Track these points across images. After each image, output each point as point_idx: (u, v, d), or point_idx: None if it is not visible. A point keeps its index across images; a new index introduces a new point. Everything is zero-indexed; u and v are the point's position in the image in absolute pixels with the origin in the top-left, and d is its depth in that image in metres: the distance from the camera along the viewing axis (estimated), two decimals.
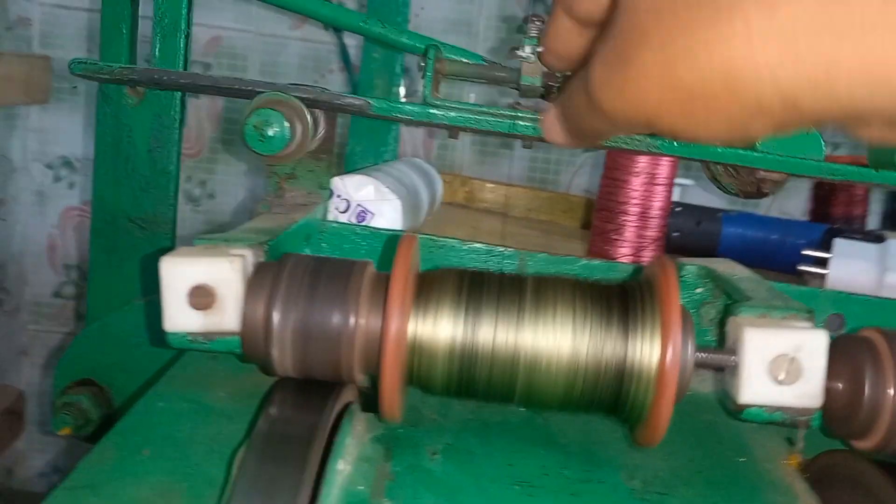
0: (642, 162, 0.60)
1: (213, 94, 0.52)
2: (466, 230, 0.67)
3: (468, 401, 0.43)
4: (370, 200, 0.55)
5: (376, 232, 0.52)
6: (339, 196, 0.56)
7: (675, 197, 0.93)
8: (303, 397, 0.35)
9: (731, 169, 0.55)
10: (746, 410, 0.35)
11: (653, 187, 0.60)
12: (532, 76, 0.49)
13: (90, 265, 0.61)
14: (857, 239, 0.77)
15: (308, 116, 0.46)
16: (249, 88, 0.49)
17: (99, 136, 0.59)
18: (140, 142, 0.58)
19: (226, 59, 1.31)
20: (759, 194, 0.53)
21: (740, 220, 0.85)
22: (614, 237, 0.60)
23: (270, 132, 0.44)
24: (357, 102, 0.49)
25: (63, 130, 1.31)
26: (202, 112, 1.32)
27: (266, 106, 0.44)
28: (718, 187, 0.61)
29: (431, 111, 0.50)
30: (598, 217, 0.62)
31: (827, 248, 0.76)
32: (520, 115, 0.49)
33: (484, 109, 0.50)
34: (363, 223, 0.56)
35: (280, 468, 0.31)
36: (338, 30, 1.06)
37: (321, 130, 0.50)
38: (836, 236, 0.77)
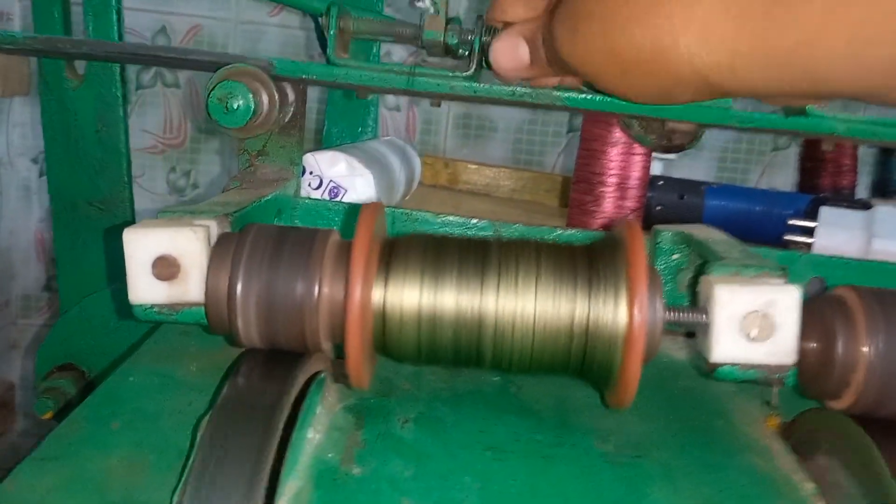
0: (619, 131, 0.59)
1: (124, 61, 0.51)
2: (448, 211, 0.67)
3: (438, 367, 0.42)
4: (342, 176, 0.54)
5: (350, 206, 0.51)
6: (311, 172, 0.55)
7: (658, 171, 0.93)
8: (269, 366, 0.35)
9: (644, 122, 0.54)
10: (719, 370, 0.35)
11: (630, 157, 0.59)
12: (435, 30, 0.48)
13: (56, 253, 0.61)
14: (843, 207, 0.76)
15: (274, 89, 0.46)
16: (148, 54, 0.48)
17: (45, 123, 0.58)
18: (86, 124, 0.57)
19: (206, 47, 1.30)
20: (673, 147, 0.53)
21: (724, 192, 0.85)
22: (592, 209, 0.60)
23: (235, 104, 0.44)
24: (260, 63, 0.48)
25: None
26: (182, 101, 1.31)
27: (230, 78, 0.44)
28: (633, 140, 0.60)
29: (335, 70, 0.49)
30: (575, 189, 0.61)
31: (813, 218, 0.76)
32: (417, 70, 0.49)
33: (386, 67, 0.49)
34: (336, 199, 0.56)
35: (244, 435, 0.30)
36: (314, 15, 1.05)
37: (290, 104, 0.49)
38: (822, 205, 0.76)
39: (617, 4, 0.34)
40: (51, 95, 0.59)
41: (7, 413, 1.20)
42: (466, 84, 0.49)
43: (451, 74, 0.49)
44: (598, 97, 0.49)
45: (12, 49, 0.51)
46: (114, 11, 0.57)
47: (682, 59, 0.32)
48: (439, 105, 0.52)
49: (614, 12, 0.34)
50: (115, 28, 0.58)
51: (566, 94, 0.49)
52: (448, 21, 0.48)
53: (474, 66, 0.48)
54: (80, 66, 0.61)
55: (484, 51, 0.48)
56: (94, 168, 0.59)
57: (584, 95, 0.49)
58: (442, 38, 0.48)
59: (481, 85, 0.49)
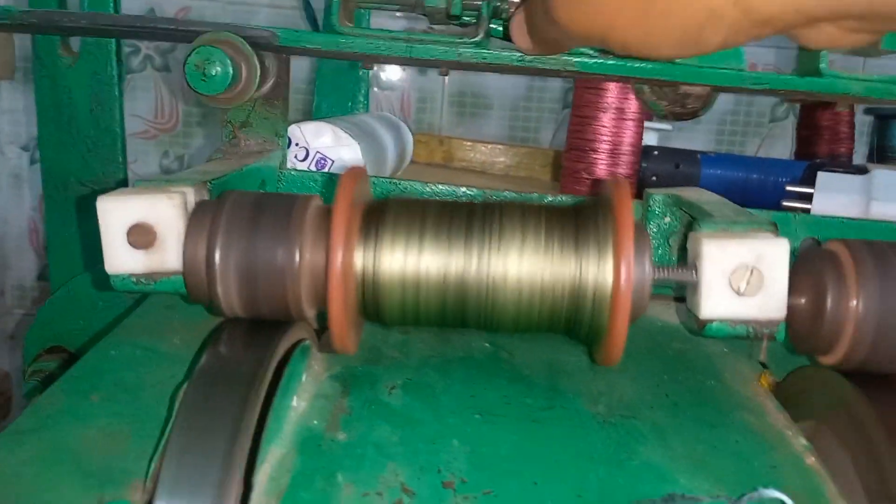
0: (611, 97, 0.58)
1: (125, 36, 0.50)
2: None
3: (427, 334, 0.42)
4: (328, 147, 0.54)
5: (335, 176, 0.50)
6: (297, 144, 0.55)
7: (653, 141, 0.92)
8: (250, 334, 0.34)
9: (655, 87, 0.53)
10: (708, 326, 0.34)
11: (622, 122, 0.58)
12: None
13: (47, 234, 0.60)
14: (840, 172, 0.75)
15: (255, 57, 0.45)
16: (148, 26, 0.47)
17: (39, 100, 0.58)
18: (81, 102, 0.56)
19: None
20: (687, 113, 0.52)
21: (719, 160, 0.84)
22: (585, 176, 0.59)
23: (213, 71, 0.43)
24: (263, 34, 0.47)
25: (35, 111, 1.29)
26: (174, 85, 1.30)
27: (208, 44, 0.43)
28: (647, 110, 0.59)
29: (341, 40, 0.48)
30: (567, 157, 0.61)
31: (811, 184, 0.75)
32: (424, 37, 0.47)
33: (392, 35, 0.48)
34: (323, 171, 0.55)
35: (223, 401, 0.30)
36: None
37: (271, 74, 0.49)
38: (819, 171, 0.75)
39: None
40: (44, 73, 0.58)
41: (3, 403, 1.19)
42: (474, 51, 0.48)
43: (458, 41, 0.47)
44: (610, 60, 0.47)
45: (8, 25, 0.49)
46: None
47: None
48: (447, 73, 0.51)
49: None
50: (112, 4, 0.57)
51: (577, 59, 0.47)
52: None
53: (482, 34, 0.47)
54: (75, 43, 0.59)
55: (499, 18, 0.47)
56: (86, 147, 0.58)
57: (595, 60, 0.47)
58: (445, 5, 0.47)
59: (490, 52, 0.48)
